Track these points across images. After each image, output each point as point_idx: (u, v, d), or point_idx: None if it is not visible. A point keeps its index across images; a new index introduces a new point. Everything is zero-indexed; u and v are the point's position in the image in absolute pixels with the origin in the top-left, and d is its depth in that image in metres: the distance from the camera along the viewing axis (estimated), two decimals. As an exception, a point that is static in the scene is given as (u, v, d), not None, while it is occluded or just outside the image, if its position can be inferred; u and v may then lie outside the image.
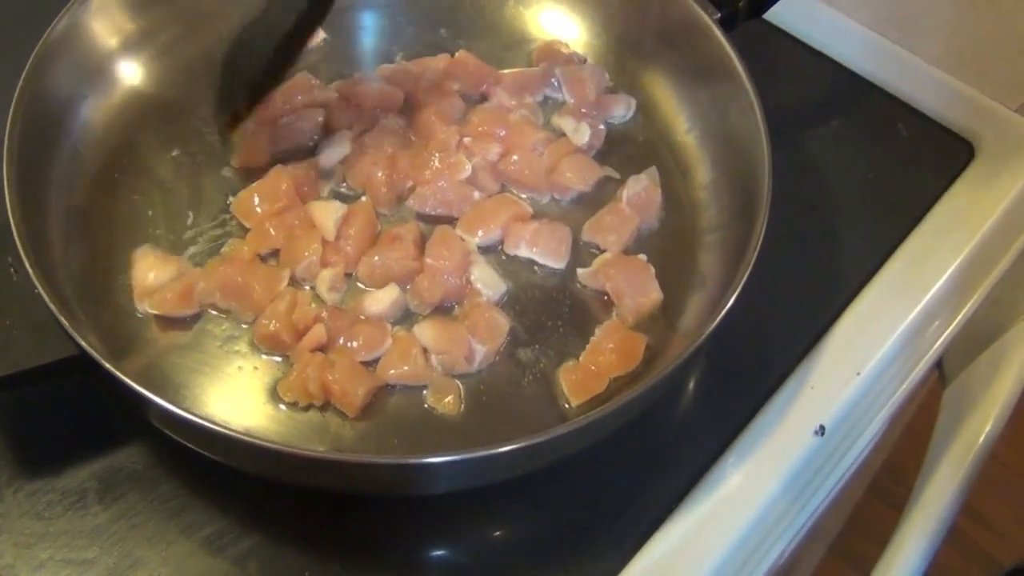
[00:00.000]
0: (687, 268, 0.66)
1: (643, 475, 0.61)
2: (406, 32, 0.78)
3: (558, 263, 0.67)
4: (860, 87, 0.81)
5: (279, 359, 0.62)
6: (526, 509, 0.60)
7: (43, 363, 0.55)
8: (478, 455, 0.51)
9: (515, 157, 0.70)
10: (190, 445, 0.55)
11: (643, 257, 0.67)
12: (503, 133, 0.72)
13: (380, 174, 0.68)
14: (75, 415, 0.61)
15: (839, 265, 0.71)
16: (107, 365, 0.52)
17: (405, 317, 0.64)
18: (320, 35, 0.77)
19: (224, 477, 0.57)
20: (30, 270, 0.55)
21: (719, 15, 0.70)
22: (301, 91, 0.72)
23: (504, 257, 0.67)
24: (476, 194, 0.69)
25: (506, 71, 0.76)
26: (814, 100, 0.81)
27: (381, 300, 0.64)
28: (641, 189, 0.69)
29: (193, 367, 0.61)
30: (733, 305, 0.56)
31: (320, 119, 0.71)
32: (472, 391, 0.61)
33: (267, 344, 0.62)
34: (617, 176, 0.71)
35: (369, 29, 0.79)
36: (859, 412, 0.65)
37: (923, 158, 0.77)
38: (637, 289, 0.65)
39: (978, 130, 0.78)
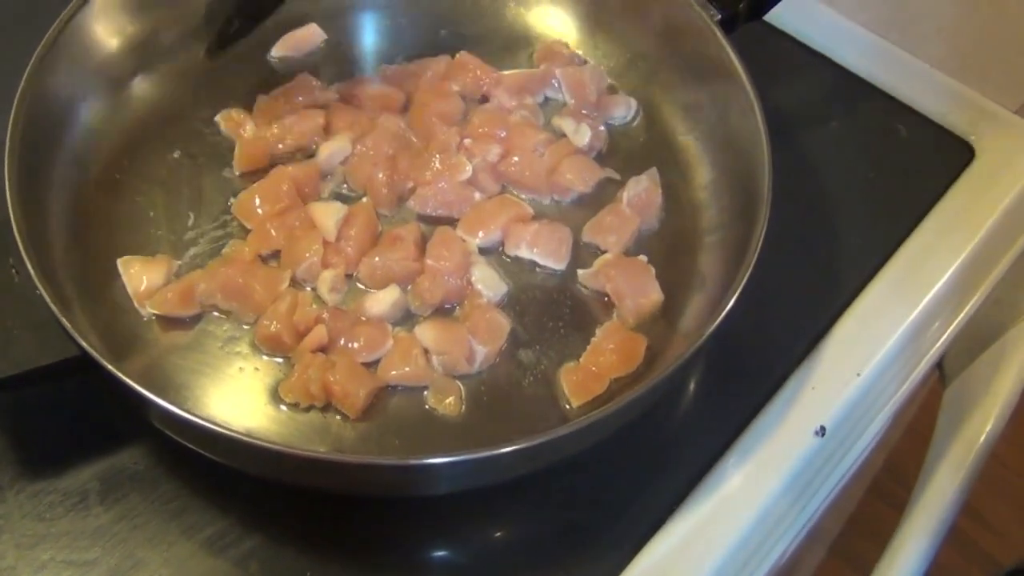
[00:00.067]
0: (687, 269, 0.67)
1: (644, 475, 0.61)
2: (407, 33, 0.78)
3: (559, 264, 0.67)
4: (860, 88, 0.81)
5: (280, 360, 0.62)
6: (527, 509, 0.60)
7: (44, 364, 0.55)
8: (479, 456, 0.51)
9: (516, 158, 0.70)
10: (191, 446, 0.55)
11: (643, 258, 0.67)
12: (504, 134, 0.72)
13: (381, 175, 0.68)
14: (76, 416, 0.61)
15: (840, 266, 0.71)
16: (108, 366, 0.52)
17: (406, 318, 0.64)
18: (321, 36, 0.77)
19: (225, 478, 0.57)
20: (31, 271, 0.55)
21: (720, 17, 0.70)
22: (302, 92, 0.73)
23: (505, 258, 0.68)
24: (477, 195, 0.69)
25: (507, 72, 0.76)
26: (814, 101, 0.81)
27: (382, 301, 0.64)
28: (641, 190, 0.69)
29: (194, 368, 0.61)
30: (733, 306, 0.56)
31: (321, 120, 0.71)
32: (473, 392, 0.62)
33: (268, 345, 0.62)
34: (617, 177, 0.71)
35: (370, 30, 0.79)
36: (860, 412, 0.65)
37: (923, 159, 0.77)
38: (637, 290, 0.65)
39: (978, 131, 0.78)
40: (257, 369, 0.62)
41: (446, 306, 0.65)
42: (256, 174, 0.69)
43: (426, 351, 0.62)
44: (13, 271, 0.57)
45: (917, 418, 1.01)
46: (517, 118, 0.73)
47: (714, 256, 0.66)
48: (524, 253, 0.67)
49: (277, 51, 0.76)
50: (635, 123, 0.75)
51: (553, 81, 0.76)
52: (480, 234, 0.67)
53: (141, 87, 0.72)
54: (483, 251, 0.67)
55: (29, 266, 0.55)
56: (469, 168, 0.69)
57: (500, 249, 0.68)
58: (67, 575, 0.55)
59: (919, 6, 0.81)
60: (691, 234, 0.68)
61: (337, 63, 0.76)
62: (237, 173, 0.70)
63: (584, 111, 0.74)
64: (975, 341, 0.77)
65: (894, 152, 0.78)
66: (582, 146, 0.72)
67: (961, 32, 0.80)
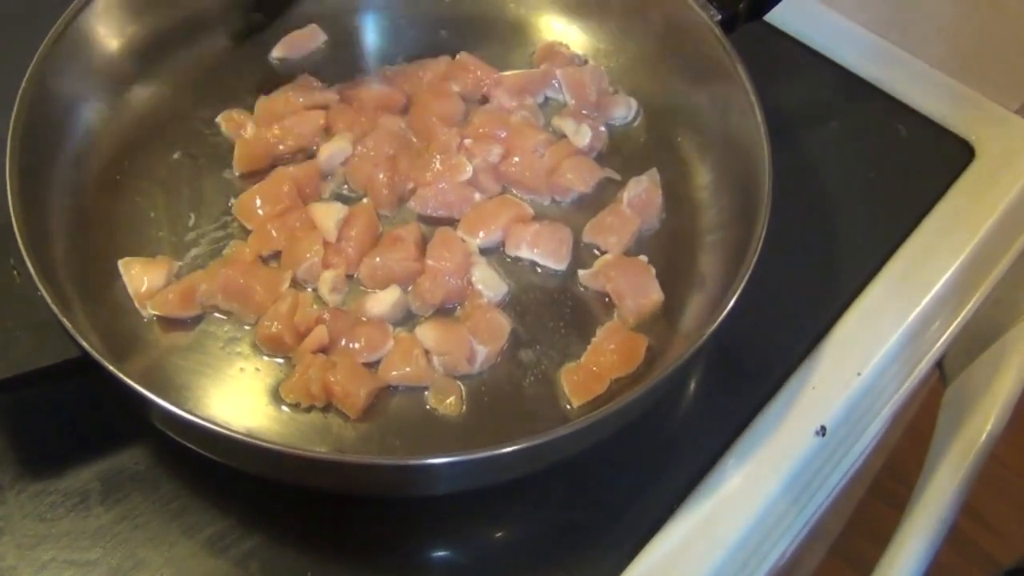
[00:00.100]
0: (688, 269, 0.67)
1: (644, 475, 0.61)
2: (407, 34, 0.78)
3: (559, 264, 0.67)
4: (860, 88, 0.81)
5: (281, 360, 0.62)
6: (527, 510, 0.60)
7: (45, 365, 0.55)
8: (480, 456, 0.51)
9: (516, 159, 0.70)
10: (192, 446, 0.55)
11: (644, 258, 0.67)
12: (504, 135, 0.72)
13: (381, 176, 0.68)
14: (77, 417, 0.61)
15: (840, 265, 0.71)
16: (109, 367, 0.52)
17: (406, 318, 0.64)
18: (321, 36, 0.77)
19: (226, 478, 0.57)
20: (32, 272, 0.55)
21: (720, 17, 0.70)
22: (302, 93, 0.73)
23: (505, 258, 0.68)
24: (477, 195, 0.69)
25: (507, 73, 0.76)
26: (815, 101, 0.81)
27: (382, 301, 0.64)
28: (642, 190, 0.69)
29: (195, 368, 0.61)
30: (734, 306, 0.56)
31: (321, 121, 0.71)
32: (473, 392, 0.62)
33: (269, 345, 0.62)
34: (618, 177, 0.71)
35: (370, 31, 0.79)
36: (860, 412, 0.65)
37: (923, 159, 0.77)
38: (638, 290, 0.65)
39: (978, 131, 0.78)
40: (258, 370, 0.62)
41: (447, 306, 0.65)
42: (256, 175, 0.69)
43: (427, 351, 0.62)
44: (14, 272, 0.57)
45: (917, 418, 1.01)
46: (517, 119, 0.73)
47: (714, 256, 0.66)
48: (525, 253, 0.67)
49: (278, 52, 0.76)
50: (635, 123, 0.75)
51: (553, 81, 0.76)
52: (481, 234, 0.67)
53: (142, 88, 0.72)
54: (484, 251, 0.67)
55: (30, 267, 0.55)
56: (469, 169, 0.69)
57: (501, 249, 0.68)
58: (68, 575, 0.55)
59: (919, 6, 0.81)
60: (691, 234, 0.68)
61: (337, 64, 0.76)
62: (236, 174, 0.70)
63: (584, 111, 0.74)
64: (975, 341, 0.77)
65: (894, 152, 0.78)
66: (582, 146, 0.72)
67: (961, 32, 0.80)
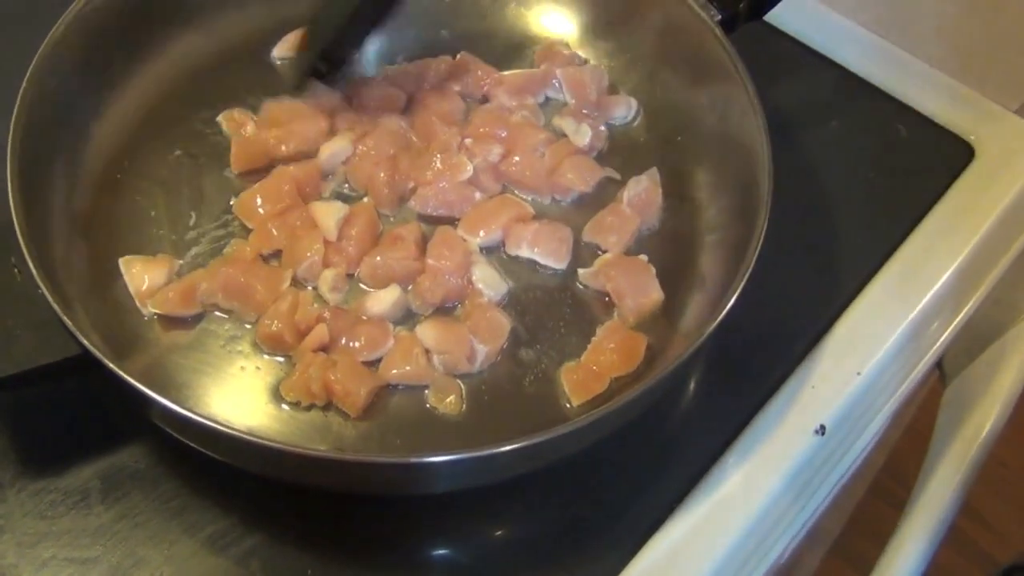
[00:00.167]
0: (688, 268, 0.67)
1: (644, 474, 0.61)
2: (408, 34, 0.78)
3: (559, 263, 0.67)
4: (860, 88, 0.81)
5: (281, 359, 0.62)
6: (527, 508, 0.61)
7: (46, 363, 0.55)
8: (480, 454, 0.52)
9: (516, 158, 0.71)
10: (192, 444, 0.55)
11: (644, 257, 0.67)
12: (504, 134, 0.72)
13: (382, 175, 0.69)
14: (78, 415, 0.61)
15: (840, 265, 0.71)
16: (110, 365, 0.52)
17: (407, 317, 0.64)
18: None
19: (226, 477, 0.57)
20: (33, 270, 0.55)
21: (720, 17, 0.70)
22: (309, 98, 0.72)
23: (505, 257, 0.68)
24: (477, 195, 0.69)
25: (507, 72, 0.76)
26: (814, 101, 0.81)
27: (383, 300, 0.64)
28: (642, 190, 0.69)
29: (195, 367, 0.61)
30: (734, 305, 0.56)
31: (324, 126, 0.71)
32: (474, 391, 0.62)
33: (269, 344, 0.62)
34: (618, 177, 0.71)
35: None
36: (859, 412, 0.65)
37: (923, 159, 0.77)
38: (638, 289, 0.65)
39: (978, 131, 0.78)
40: (258, 368, 0.62)
41: (447, 305, 0.65)
42: (254, 174, 0.69)
43: (427, 350, 0.62)
44: (15, 270, 0.57)
45: (917, 418, 1.01)
46: (518, 118, 0.73)
47: (714, 255, 0.66)
48: (525, 253, 0.67)
49: (278, 52, 0.76)
50: (635, 123, 0.75)
51: (554, 81, 0.76)
52: (481, 234, 0.67)
53: (142, 87, 0.72)
54: (484, 251, 0.67)
55: (31, 265, 0.55)
56: (470, 168, 0.69)
57: (501, 249, 0.68)
58: (68, 573, 0.55)
59: (919, 6, 0.81)
60: (691, 234, 0.69)
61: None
62: (235, 174, 0.70)
63: (585, 111, 0.74)
64: (975, 341, 0.77)
65: (894, 152, 0.78)
66: (583, 146, 0.72)
67: (961, 32, 0.80)
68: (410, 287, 0.65)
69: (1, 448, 0.59)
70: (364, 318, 0.63)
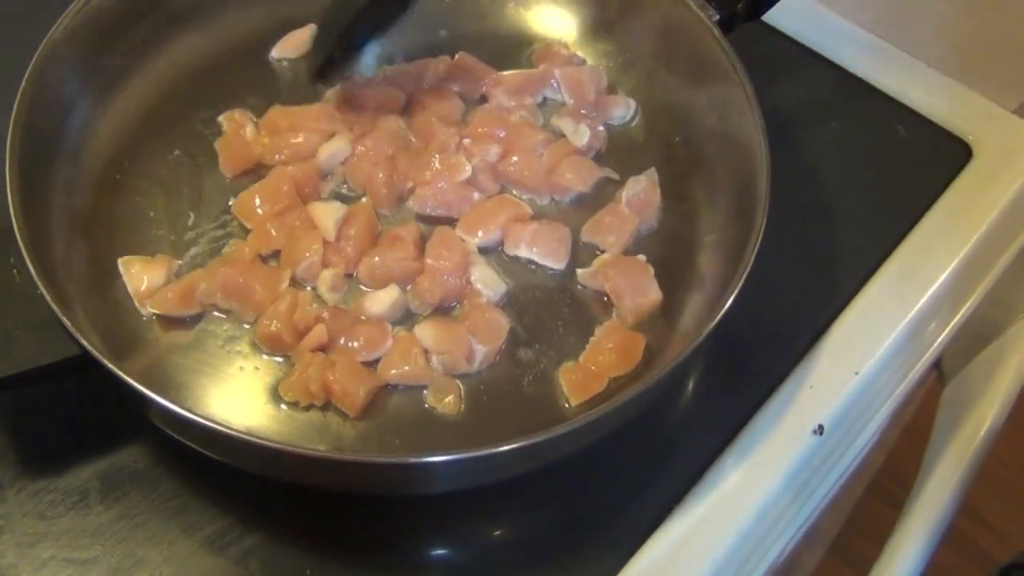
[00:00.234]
0: (686, 268, 0.67)
1: (642, 474, 0.61)
2: (407, 34, 0.78)
3: (558, 264, 0.67)
4: (859, 88, 0.81)
5: (280, 359, 0.62)
6: (526, 509, 0.61)
7: (45, 363, 0.55)
8: (478, 454, 0.52)
9: (515, 158, 0.71)
10: (191, 445, 0.56)
11: (642, 257, 0.67)
12: (503, 134, 0.72)
13: (380, 175, 0.69)
14: (77, 415, 0.61)
15: (838, 265, 0.71)
16: (109, 365, 0.52)
17: (406, 317, 0.64)
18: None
19: (225, 477, 0.57)
20: (32, 271, 0.55)
21: (718, 17, 0.70)
22: (316, 117, 0.72)
23: (504, 258, 0.68)
24: (476, 195, 0.69)
25: (506, 72, 0.76)
26: (813, 101, 0.81)
27: (381, 300, 0.64)
28: (640, 190, 0.69)
29: (194, 367, 0.61)
30: (732, 305, 0.56)
31: (319, 140, 0.71)
32: (472, 391, 0.62)
33: (268, 344, 0.62)
34: (616, 177, 0.71)
35: (370, 31, 0.79)
36: (858, 411, 0.65)
37: (921, 159, 0.77)
38: (636, 289, 0.65)
39: (976, 131, 0.78)
40: (257, 368, 0.62)
41: (445, 305, 0.65)
42: (246, 175, 0.69)
43: (426, 350, 0.62)
44: (14, 271, 0.57)
45: (916, 418, 1.01)
46: (516, 118, 0.73)
47: (713, 256, 0.66)
48: (523, 253, 0.67)
49: (277, 52, 0.76)
50: (634, 123, 0.75)
51: (552, 81, 0.76)
52: (479, 234, 0.67)
53: (141, 88, 0.72)
54: (482, 251, 0.67)
55: (30, 266, 0.55)
56: (468, 168, 0.69)
57: (499, 249, 0.68)
58: (68, 573, 0.55)
59: (917, 6, 0.81)
60: (690, 234, 0.69)
61: (337, 64, 0.76)
62: (227, 177, 0.70)
63: (583, 111, 0.74)
64: (973, 340, 0.77)
65: (892, 152, 0.78)
66: (581, 146, 0.72)
67: (959, 32, 0.80)
68: (409, 287, 0.65)
69: (1, 448, 0.59)
70: (363, 318, 0.63)
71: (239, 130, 0.71)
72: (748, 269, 0.57)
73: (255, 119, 0.72)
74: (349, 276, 0.66)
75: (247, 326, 0.63)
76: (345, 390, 0.59)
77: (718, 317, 0.56)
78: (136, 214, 0.67)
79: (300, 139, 0.70)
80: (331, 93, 0.74)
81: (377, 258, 0.65)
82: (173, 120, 0.72)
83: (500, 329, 0.63)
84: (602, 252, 0.68)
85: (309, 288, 0.65)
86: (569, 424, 0.53)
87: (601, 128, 0.74)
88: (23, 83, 0.62)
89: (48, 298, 0.54)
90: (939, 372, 0.79)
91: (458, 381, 0.62)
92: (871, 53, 0.83)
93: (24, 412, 0.61)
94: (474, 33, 0.79)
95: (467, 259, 0.66)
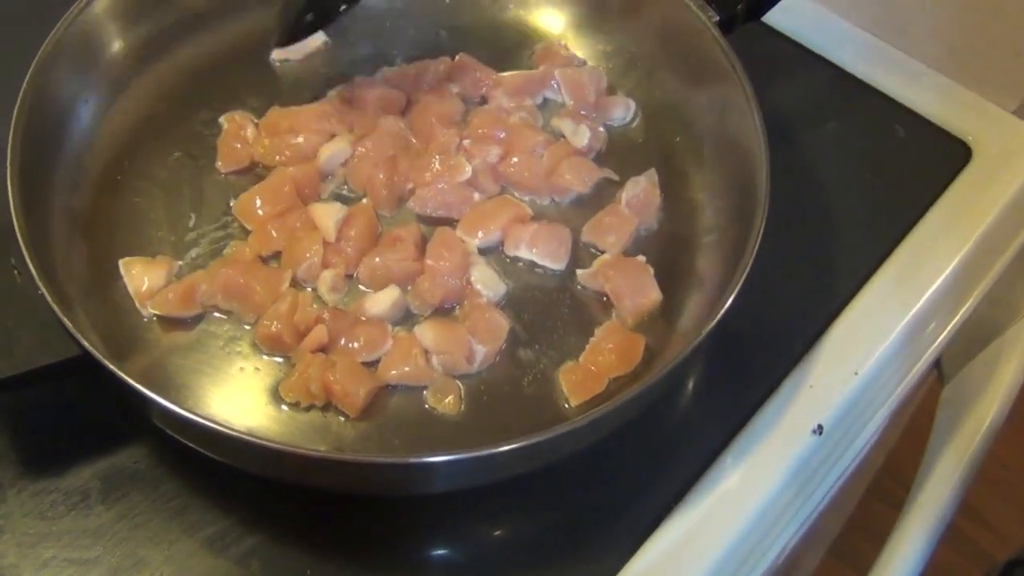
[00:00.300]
0: (686, 269, 0.67)
1: (642, 474, 0.61)
2: (406, 35, 0.78)
3: (558, 264, 0.67)
4: (857, 89, 0.81)
5: (280, 360, 0.62)
6: (526, 509, 0.61)
7: (46, 364, 0.55)
8: (478, 454, 0.52)
9: (515, 159, 0.71)
10: (192, 445, 0.56)
11: (642, 258, 0.67)
12: (503, 135, 0.72)
13: (381, 176, 0.69)
14: (78, 415, 0.61)
15: (837, 265, 0.71)
16: (110, 365, 0.52)
17: (406, 318, 0.65)
18: (321, 38, 0.77)
19: (226, 477, 0.58)
20: (33, 271, 0.55)
21: (717, 18, 0.70)
22: (316, 120, 0.71)
23: (504, 258, 0.68)
24: (476, 196, 0.69)
25: (506, 74, 0.76)
26: (812, 102, 0.81)
27: (382, 301, 0.64)
28: (640, 191, 0.69)
29: (195, 368, 0.62)
30: (731, 305, 0.57)
31: (320, 141, 0.71)
32: (472, 391, 0.62)
33: (269, 345, 0.62)
34: (616, 178, 0.71)
35: (370, 32, 0.79)
36: (857, 411, 0.66)
37: (921, 159, 0.77)
38: (636, 290, 0.65)
39: (975, 131, 0.78)
40: (258, 369, 0.62)
41: (446, 306, 0.65)
42: (243, 172, 0.70)
43: (426, 351, 0.62)
44: (15, 272, 0.57)
45: (917, 418, 1.01)
46: (516, 119, 0.73)
47: (712, 256, 0.66)
48: (523, 253, 0.67)
49: (277, 54, 0.76)
50: (634, 124, 0.75)
51: (552, 82, 0.76)
52: (479, 234, 0.67)
53: (142, 88, 0.72)
54: (483, 251, 0.67)
55: (31, 267, 0.55)
56: (468, 169, 0.70)
57: (500, 249, 0.68)
58: (69, 573, 0.55)
59: (916, 7, 0.81)
60: (689, 234, 0.69)
61: (338, 65, 0.76)
62: (223, 172, 0.70)
63: (583, 112, 0.74)
64: (973, 340, 0.77)
65: (891, 152, 0.78)
66: (581, 147, 0.72)
67: (958, 32, 0.80)
68: (409, 288, 0.65)
69: (1, 448, 0.59)
70: (363, 319, 0.64)
71: (239, 131, 0.71)
72: (748, 269, 0.58)
73: (255, 120, 0.72)
74: (349, 277, 0.66)
75: (248, 327, 0.63)
76: (345, 391, 0.59)
77: (718, 317, 0.56)
78: (137, 215, 0.67)
79: (300, 140, 0.70)
80: (331, 94, 0.74)
81: (377, 259, 0.65)
82: (174, 121, 0.72)
83: (500, 330, 0.63)
84: (602, 253, 0.68)
85: (309, 289, 0.65)
86: (569, 424, 0.53)
87: (601, 129, 0.74)
88: (24, 84, 0.63)
89: (49, 298, 0.54)
90: (939, 372, 0.79)
91: (458, 381, 0.62)
92: (870, 54, 0.83)
93: (24, 412, 0.61)
94: (474, 34, 0.79)
95: (467, 260, 0.66)
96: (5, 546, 0.56)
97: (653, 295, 0.65)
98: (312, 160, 0.70)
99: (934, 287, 0.70)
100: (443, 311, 0.65)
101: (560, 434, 0.52)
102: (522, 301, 0.66)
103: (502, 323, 0.64)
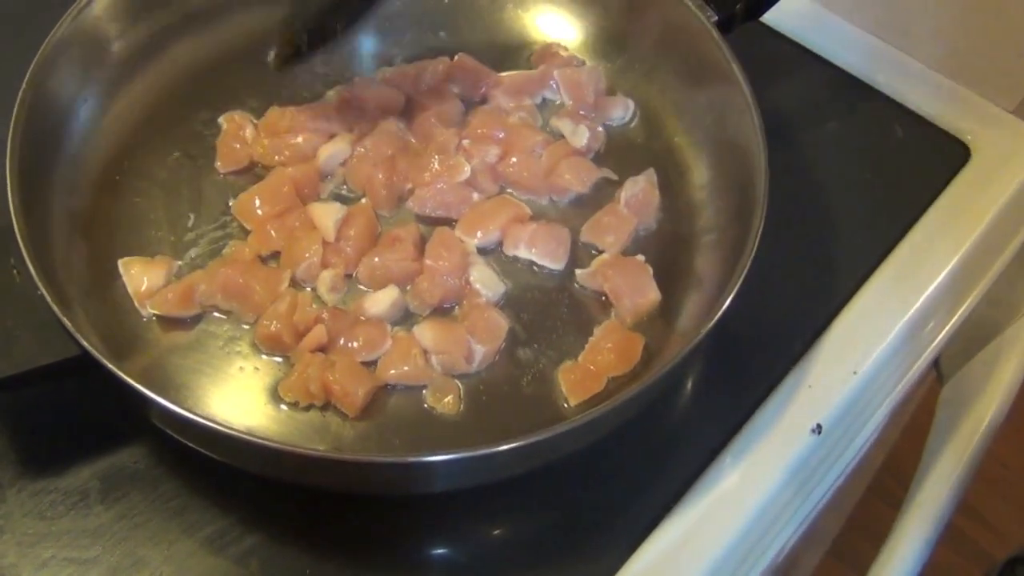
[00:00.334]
0: (685, 269, 0.67)
1: (641, 474, 0.61)
2: (405, 35, 0.78)
3: (557, 264, 0.67)
4: (857, 89, 0.81)
5: (280, 360, 0.62)
6: (525, 508, 0.61)
7: (46, 363, 0.55)
8: (477, 454, 0.52)
9: (514, 159, 0.71)
10: (192, 445, 0.56)
11: (641, 258, 0.67)
12: (502, 135, 0.72)
13: (380, 176, 0.69)
14: (77, 415, 0.61)
15: (837, 264, 0.71)
16: (109, 365, 0.52)
17: (405, 318, 0.65)
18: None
19: (226, 477, 0.58)
20: (32, 271, 0.55)
21: (716, 18, 0.70)
22: (315, 119, 0.72)
23: (503, 258, 0.68)
24: (475, 196, 0.70)
25: (505, 74, 0.76)
26: (811, 102, 0.81)
27: (381, 301, 0.64)
28: (639, 190, 0.70)
29: (194, 367, 0.62)
30: (730, 305, 0.56)
31: (318, 142, 0.71)
32: (471, 391, 0.62)
33: (268, 345, 0.62)
34: (615, 178, 0.71)
35: (369, 32, 0.79)
36: (856, 411, 0.66)
37: (919, 159, 0.77)
38: (635, 289, 0.65)
39: (974, 131, 0.78)
40: (257, 369, 0.62)
41: (445, 306, 0.65)
42: (241, 173, 0.70)
43: (425, 351, 0.62)
44: (14, 272, 0.57)
45: (917, 417, 1.01)
46: (515, 119, 0.73)
47: (711, 256, 0.66)
48: (522, 253, 0.67)
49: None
50: (633, 124, 0.75)
51: (551, 82, 0.76)
52: (479, 234, 0.68)
53: (142, 88, 0.72)
54: (482, 251, 0.67)
55: (30, 267, 0.55)
56: (467, 169, 0.70)
57: (499, 249, 0.68)
58: (68, 573, 0.56)
59: (915, 7, 0.81)
60: (688, 234, 0.69)
61: (337, 65, 0.76)
62: (221, 172, 0.70)
63: (582, 112, 0.74)
64: (972, 340, 0.77)
65: (891, 152, 0.78)
66: (580, 147, 0.72)
67: (957, 33, 0.80)
68: (408, 288, 0.65)
69: (1, 448, 0.59)
70: (362, 319, 0.64)
71: (238, 131, 0.71)
72: (746, 269, 0.58)
73: (254, 120, 0.72)
74: (349, 277, 0.66)
75: (247, 327, 0.63)
76: (344, 390, 0.59)
77: (716, 317, 0.56)
78: (136, 215, 0.67)
79: (299, 140, 0.70)
80: (331, 94, 0.74)
81: (376, 259, 0.66)
82: (173, 121, 0.72)
83: (499, 329, 0.63)
84: (601, 252, 0.68)
85: (309, 289, 0.65)
86: (568, 424, 0.53)
87: (600, 129, 0.74)
88: (24, 84, 0.63)
89: (48, 298, 0.54)
90: (938, 371, 0.79)
91: (457, 381, 0.62)
92: (869, 54, 0.83)
93: (24, 412, 0.61)
94: (473, 34, 0.79)
95: (466, 260, 0.66)
96: (5, 546, 0.56)
97: (652, 295, 0.65)
98: (311, 160, 0.70)
99: (933, 286, 0.70)
100: (442, 311, 0.65)
101: (559, 433, 0.52)
102: (521, 301, 0.66)
103: (501, 323, 0.64)
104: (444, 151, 0.70)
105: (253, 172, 0.70)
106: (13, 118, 0.61)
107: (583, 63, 0.78)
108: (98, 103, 0.70)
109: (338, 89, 0.74)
